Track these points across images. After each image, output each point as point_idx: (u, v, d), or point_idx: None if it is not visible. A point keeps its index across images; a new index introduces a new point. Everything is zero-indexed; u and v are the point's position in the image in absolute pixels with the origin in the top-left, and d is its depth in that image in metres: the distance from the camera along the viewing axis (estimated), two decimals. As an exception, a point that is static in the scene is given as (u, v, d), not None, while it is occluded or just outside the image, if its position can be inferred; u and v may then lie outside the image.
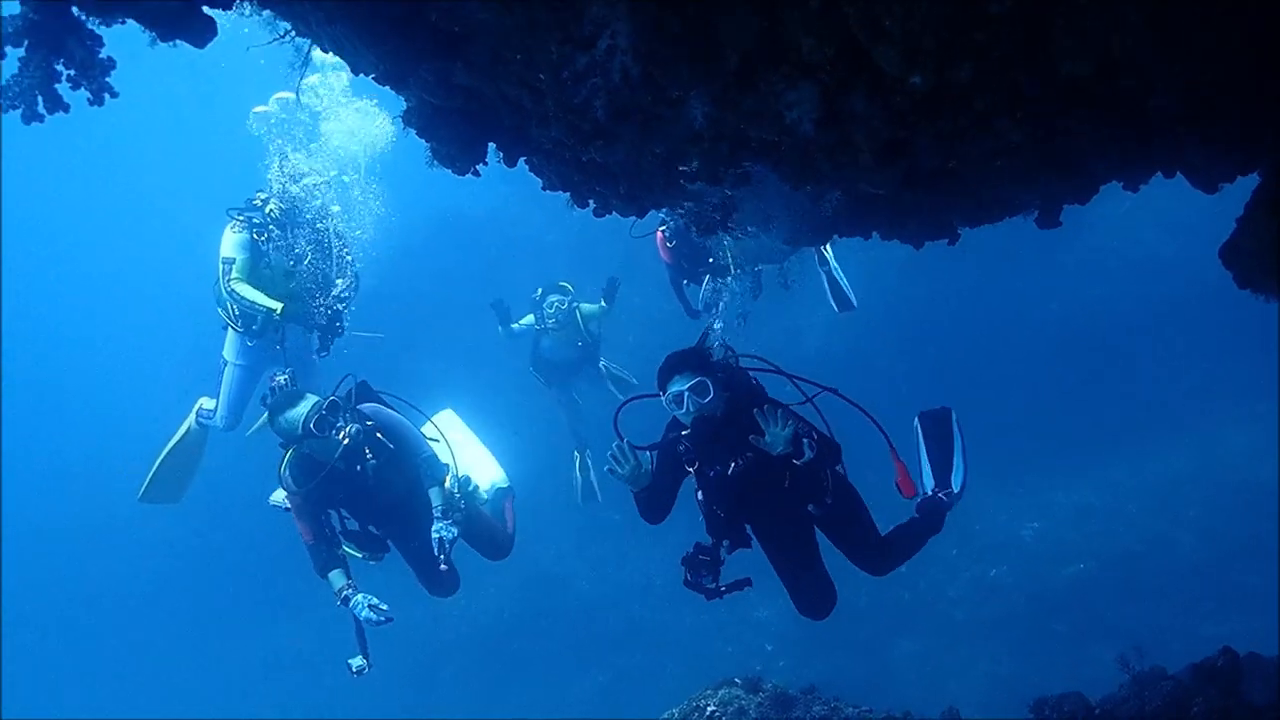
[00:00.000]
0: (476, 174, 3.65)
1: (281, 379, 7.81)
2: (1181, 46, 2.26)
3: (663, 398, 5.67)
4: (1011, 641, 12.54)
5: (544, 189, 4.00)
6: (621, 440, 5.71)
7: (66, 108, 2.87)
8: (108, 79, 2.84)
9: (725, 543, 5.88)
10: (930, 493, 6.39)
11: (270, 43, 3.52)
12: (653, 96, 2.65)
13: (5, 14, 2.84)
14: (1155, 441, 14.14)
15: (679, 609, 14.67)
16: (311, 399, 7.01)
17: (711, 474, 5.80)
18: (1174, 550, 12.73)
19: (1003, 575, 13.68)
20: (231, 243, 8.55)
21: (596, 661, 15.38)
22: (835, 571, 6.22)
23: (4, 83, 2.82)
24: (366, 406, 7.41)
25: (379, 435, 7.24)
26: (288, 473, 7.07)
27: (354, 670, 7.02)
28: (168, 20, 2.79)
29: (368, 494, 7.22)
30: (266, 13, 3.36)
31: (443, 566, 6.96)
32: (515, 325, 12.21)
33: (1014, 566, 13.69)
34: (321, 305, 8.78)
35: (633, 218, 9.10)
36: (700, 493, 5.93)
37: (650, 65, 2.46)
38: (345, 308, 8.90)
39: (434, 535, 6.95)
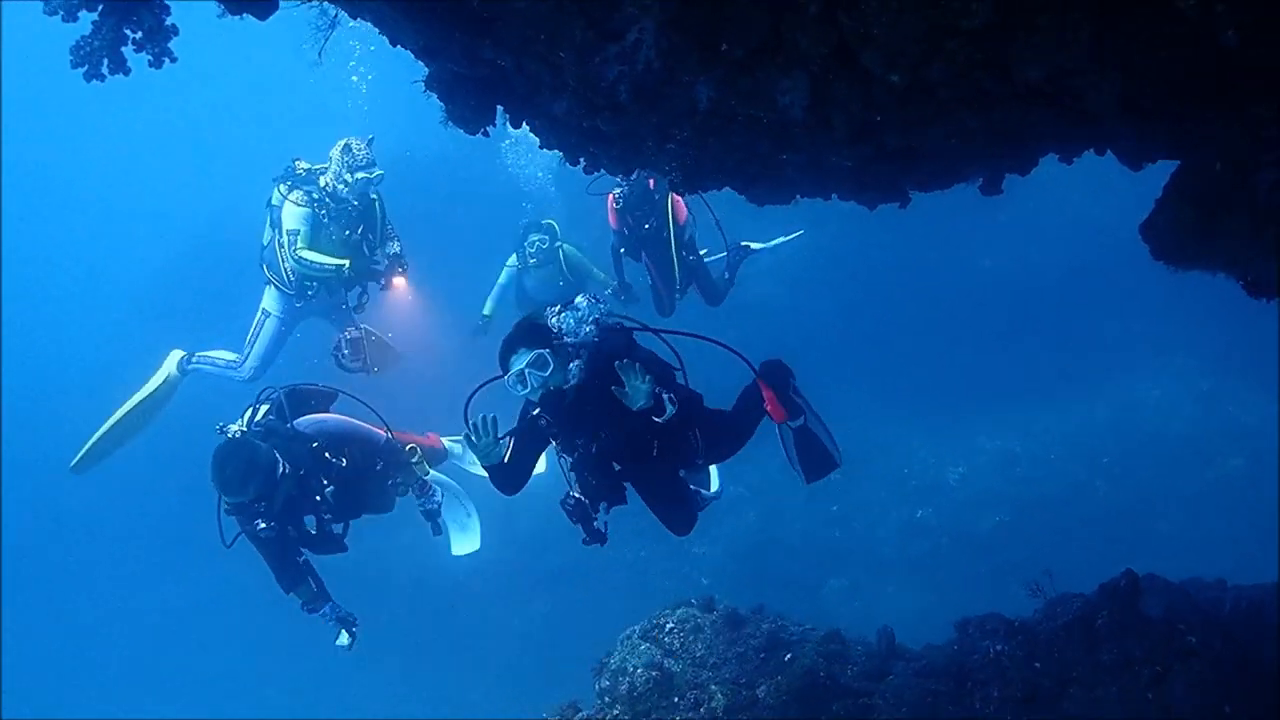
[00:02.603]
0: (486, 134, 4.00)
1: (353, 333, 8.23)
2: (1119, 62, 2.70)
3: (505, 380, 5.34)
4: (936, 579, 13.16)
5: (540, 148, 4.37)
6: (470, 425, 5.36)
7: (128, 71, 3.14)
8: (169, 45, 3.13)
9: (603, 505, 5.72)
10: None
11: (299, 4, 3.78)
12: (667, 80, 3.03)
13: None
14: (1076, 393, 14.84)
15: (617, 547, 15.03)
16: (261, 447, 6.37)
17: (578, 444, 5.56)
18: (1091, 496, 13.47)
19: (929, 517, 14.31)
20: (295, 215, 8.94)
21: (537, 594, 15.81)
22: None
23: (75, 42, 3.09)
24: (304, 422, 6.87)
25: (327, 455, 6.76)
26: (233, 517, 6.54)
27: (347, 647, 7.30)
28: (237, -8, 3.06)
29: (329, 510, 6.97)
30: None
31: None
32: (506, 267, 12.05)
33: (940, 509, 14.33)
34: (380, 257, 9.23)
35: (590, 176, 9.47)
36: (566, 458, 5.72)
37: (669, 57, 2.85)
38: (405, 266, 9.34)
39: (421, 511, 7.47)
